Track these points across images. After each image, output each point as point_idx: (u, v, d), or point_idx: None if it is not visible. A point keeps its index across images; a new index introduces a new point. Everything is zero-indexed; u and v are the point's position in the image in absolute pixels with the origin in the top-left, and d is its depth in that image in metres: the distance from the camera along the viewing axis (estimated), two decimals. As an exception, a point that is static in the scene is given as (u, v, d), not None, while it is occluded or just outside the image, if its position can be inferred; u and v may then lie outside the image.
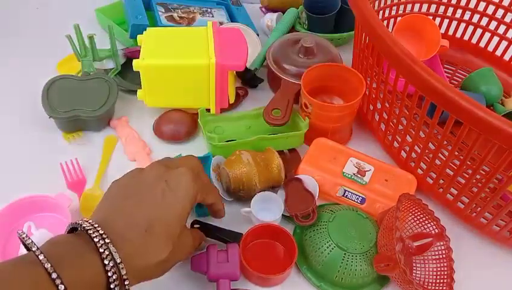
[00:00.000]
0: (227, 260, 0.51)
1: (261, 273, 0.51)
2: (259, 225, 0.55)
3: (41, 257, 0.34)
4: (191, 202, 0.44)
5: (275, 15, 0.91)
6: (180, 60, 0.67)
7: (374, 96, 0.67)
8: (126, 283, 0.38)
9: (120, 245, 0.38)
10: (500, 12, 0.80)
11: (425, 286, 0.54)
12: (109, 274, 0.37)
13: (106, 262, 0.37)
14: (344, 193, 0.61)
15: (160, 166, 0.45)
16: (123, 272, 0.37)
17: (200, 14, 0.90)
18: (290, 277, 0.56)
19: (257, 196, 0.59)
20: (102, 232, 0.38)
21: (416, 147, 0.62)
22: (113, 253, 0.37)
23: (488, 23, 0.81)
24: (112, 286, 0.37)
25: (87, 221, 0.39)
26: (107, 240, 0.38)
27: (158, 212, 0.41)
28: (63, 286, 0.33)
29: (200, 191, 0.45)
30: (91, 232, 0.38)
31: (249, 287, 0.54)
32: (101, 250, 0.37)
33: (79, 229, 0.39)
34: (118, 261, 0.37)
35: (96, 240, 0.37)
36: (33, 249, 0.35)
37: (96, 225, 0.38)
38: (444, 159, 0.57)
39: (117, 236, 0.39)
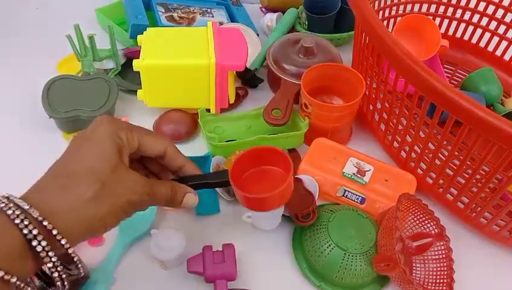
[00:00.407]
0: (224, 261, 0.51)
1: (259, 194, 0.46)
2: (244, 152, 0.50)
3: None
4: (112, 139, 0.39)
5: (274, 15, 0.91)
6: (180, 60, 0.67)
7: (373, 96, 0.67)
8: (55, 233, 0.34)
9: (28, 195, 0.35)
10: (500, 12, 0.80)
11: (425, 286, 0.54)
12: (16, 222, 0.32)
13: (9, 212, 0.32)
14: (344, 193, 0.61)
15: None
16: (36, 215, 0.33)
17: (200, 14, 0.90)
18: (289, 277, 0.56)
19: None
20: (5, 193, 0.34)
21: (416, 147, 0.62)
22: (19, 203, 0.33)
23: (488, 23, 0.81)
24: (27, 235, 0.32)
25: None
26: (11, 197, 0.34)
27: (74, 158, 0.38)
28: None
29: (124, 129, 0.41)
30: None
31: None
32: (1, 205, 0.33)
33: None
34: (26, 207, 0.33)
35: None
36: None
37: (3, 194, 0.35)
38: (444, 159, 0.57)
39: (27, 192, 0.36)
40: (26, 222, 0.33)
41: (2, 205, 0.33)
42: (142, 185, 0.40)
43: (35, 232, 0.33)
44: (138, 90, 0.70)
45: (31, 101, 0.74)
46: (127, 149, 0.41)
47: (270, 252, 0.58)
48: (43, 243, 0.33)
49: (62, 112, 0.68)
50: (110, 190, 0.37)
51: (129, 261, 0.56)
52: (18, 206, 0.33)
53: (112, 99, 0.70)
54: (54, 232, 0.34)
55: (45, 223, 0.33)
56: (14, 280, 0.32)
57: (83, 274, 0.39)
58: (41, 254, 0.33)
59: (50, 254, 0.33)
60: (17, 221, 0.32)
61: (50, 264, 0.34)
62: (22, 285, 0.32)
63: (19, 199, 0.34)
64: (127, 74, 0.79)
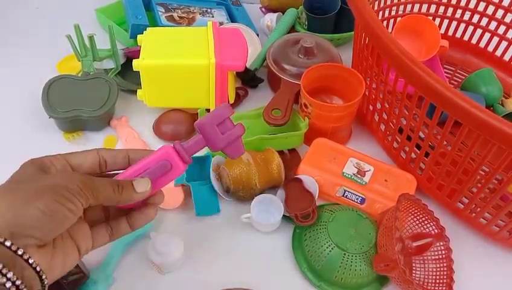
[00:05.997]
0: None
1: None
2: None
3: None
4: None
5: (275, 15, 0.91)
6: (180, 60, 0.67)
7: (373, 96, 0.67)
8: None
9: None
10: (500, 12, 0.80)
11: (425, 286, 0.54)
12: None
13: None
14: (344, 193, 0.61)
15: None
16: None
17: (200, 14, 0.90)
18: (289, 277, 0.56)
19: (256, 199, 0.59)
20: None
21: (415, 148, 0.62)
22: None
23: (488, 23, 0.81)
24: None
25: None
26: None
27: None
28: None
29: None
30: None
31: None
32: None
33: None
34: None
35: None
36: None
37: None
38: (444, 159, 0.57)
39: None
40: None
41: None
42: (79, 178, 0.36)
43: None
44: (138, 90, 0.70)
45: (31, 101, 0.74)
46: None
47: (270, 252, 0.58)
48: None
49: (62, 112, 0.68)
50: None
51: (129, 261, 0.56)
52: None
53: (112, 99, 0.70)
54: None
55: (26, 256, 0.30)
56: None
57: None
58: None
59: None
60: None
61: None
62: None
63: None
64: (127, 74, 0.79)
